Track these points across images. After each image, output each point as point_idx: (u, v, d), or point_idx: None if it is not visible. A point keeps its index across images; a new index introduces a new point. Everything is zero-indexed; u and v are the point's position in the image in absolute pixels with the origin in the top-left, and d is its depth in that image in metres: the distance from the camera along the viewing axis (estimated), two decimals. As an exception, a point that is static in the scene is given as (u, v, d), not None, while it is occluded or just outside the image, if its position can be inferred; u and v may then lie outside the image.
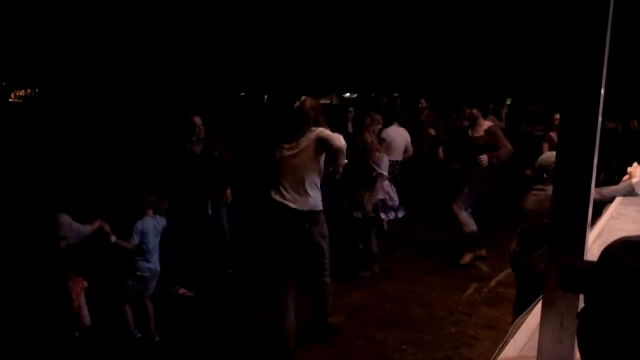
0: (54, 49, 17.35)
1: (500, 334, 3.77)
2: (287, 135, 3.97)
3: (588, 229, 1.01)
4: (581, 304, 0.92)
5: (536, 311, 1.58)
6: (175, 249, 4.62)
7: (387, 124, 6.60)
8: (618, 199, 3.57)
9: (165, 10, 15.99)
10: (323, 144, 3.84)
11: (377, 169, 5.34)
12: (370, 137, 5.43)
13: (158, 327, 4.11)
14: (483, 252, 5.99)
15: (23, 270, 3.47)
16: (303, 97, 4.00)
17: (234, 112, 15.79)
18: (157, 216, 4.14)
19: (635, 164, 3.84)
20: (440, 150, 7.48)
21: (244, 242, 6.01)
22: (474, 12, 14.83)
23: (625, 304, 0.79)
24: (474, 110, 5.85)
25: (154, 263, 4.08)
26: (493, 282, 5.33)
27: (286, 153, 3.92)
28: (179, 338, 4.13)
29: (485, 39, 15.66)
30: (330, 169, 4.02)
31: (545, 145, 6.13)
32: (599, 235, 2.61)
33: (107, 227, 3.82)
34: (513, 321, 2.21)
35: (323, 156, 3.90)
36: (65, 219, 3.66)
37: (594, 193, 1.03)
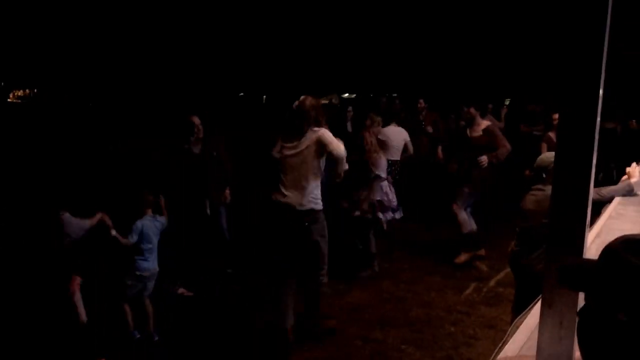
0: (53, 49, 17.34)
1: (499, 334, 3.78)
2: (287, 134, 3.97)
3: (587, 229, 1.02)
4: (580, 304, 0.92)
5: (535, 311, 1.59)
6: (174, 248, 4.62)
7: (385, 123, 6.61)
8: (617, 199, 3.58)
9: (164, 10, 15.98)
10: (324, 148, 3.84)
11: (374, 170, 5.35)
12: (370, 138, 5.43)
13: (157, 327, 4.11)
14: (482, 252, 6.00)
15: (24, 269, 3.47)
16: (303, 97, 3.99)
17: (233, 112, 15.79)
18: (157, 216, 4.14)
19: (634, 164, 3.84)
20: (440, 150, 7.48)
21: (243, 242, 6.01)
22: (473, 12, 14.83)
23: (626, 302, 0.79)
24: (471, 109, 5.81)
25: (153, 263, 4.08)
26: (492, 282, 5.34)
27: (286, 152, 3.92)
28: (178, 338, 4.13)
29: (484, 39, 15.66)
30: (333, 174, 4.02)
31: (544, 145, 6.13)
32: (597, 235, 2.62)
33: (108, 220, 3.82)
34: (512, 321, 2.22)
35: (324, 157, 3.90)
36: (67, 216, 3.67)
37: (592, 193, 1.03)
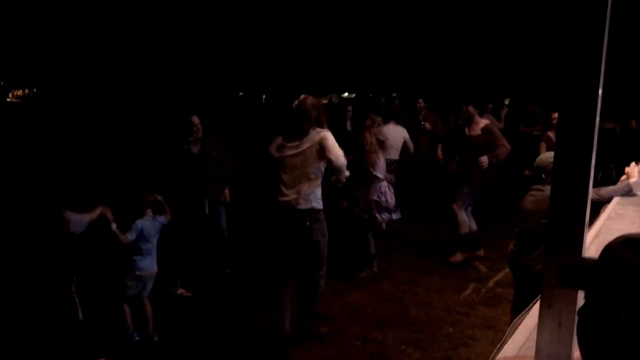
0: (52, 49, 17.33)
1: (498, 334, 3.79)
2: (288, 134, 3.95)
3: (586, 229, 1.02)
4: (579, 304, 0.92)
5: (534, 311, 1.59)
6: (174, 249, 4.62)
7: (384, 123, 6.60)
8: (616, 199, 3.58)
9: (163, 10, 15.98)
10: (324, 153, 3.83)
11: (372, 170, 5.35)
12: (370, 138, 5.43)
13: (157, 328, 4.10)
14: (481, 253, 6.00)
15: (24, 269, 3.46)
16: (303, 96, 3.97)
17: (232, 112, 15.79)
18: (157, 216, 4.13)
19: (632, 163, 3.85)
20: (439, 150, 7.46)
21: (243, 242, 6.01)
22: (472, 13, 14.84)
23: (626, 301, 0.79)
24: (470, 108, 5.77)
25: (152, 263, 4.08)
26: (491, 282, 5.34)
27: (288, 152, 3.91)
28: (177, 338, 4.13)
29: (484, 39, 15.67)
30: (333, 178, 4.02)
31: (543, 145, 6.12)
32: (596, 235, 2.62)
33: (109, 214, 3.81)
34: (511, 321, 2.22)
35: (325, 160, 3.89)
36: (69, 214, 3.66)
37: (591, 193, 1.03)
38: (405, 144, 6.66)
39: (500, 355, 1.48)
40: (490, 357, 1.50)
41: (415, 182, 7.32)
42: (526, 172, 5.26)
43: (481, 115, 6.39)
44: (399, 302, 4.85)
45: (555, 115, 5.76)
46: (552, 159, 1.15)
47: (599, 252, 0.87)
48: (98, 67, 18.27)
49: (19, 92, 25.75)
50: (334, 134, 3.96)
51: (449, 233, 6.20)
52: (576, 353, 0.94)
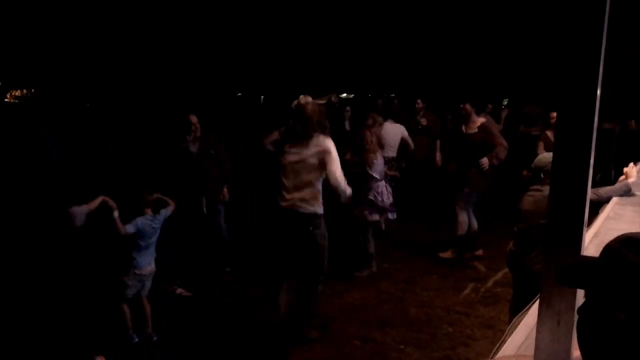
0: (50, 49, 17.32)
1: (498, 334, 3.79)
2: (291, 139, 3.92)
3: (585, 228, 1.02)
4: (578, 303, 0.93)
5: (533, 310, 1.59)
6: (172, 248, 4.62)
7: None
8: (614, 199, 3.59)
9: (162, 10, 15.98)
10: (325, 166, 3.82)
11: (368, 170, 5.34)
12: (370, 137, 5.42)
13: (156, 328, 4.10)
14: (480, 252, 6.01)
15: (23, 269, 3.47)
16: (303, 99, 3.94)
17: (231, 112, 15.78)
18: (157, 215, 4.14)
19: (631, 164, 3.86)
20: (438, 151, 7.46)
21: (242, 242, 6.01)
22: (471, 13, 14.85)
23: (625, 301, 0.80)
24: (467, 106, 5.74)
25: (151, 262, 4.09)
26: (490, 282, 5.34)
27: (290, 158, 3.88)
28: (177, 338, 4.13)
29: (483, 39, 15.67)
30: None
31: (541, 144, 6.12)
32: (595, 235, 2.63)
33: (110, 202, 3.80)
34: (510, 320, 2.23)
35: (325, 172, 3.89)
36: (74, 209, 3.66)
37: (590, 193, 1.04)
38: (404, 141, 6.65)
39: (500, 354, 1.48)
40: (491, 355, 1.51)
41: (414, 182, 7.33)
42: (525, 172, 5.27)
43: (478, 113, 6.37)
44: (399, 301, 4.86)
45: (554, 114, 5.77)
46: (550, 159, 1.16)
47: (597, 252, 0.87)
48: (97, 67, 18.25)
49: (17, 93, 25.71)
50: (332, 134, 3.96)
51: (448, 233, 6.21)
52: (575, 352, 0.95)
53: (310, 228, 3.87)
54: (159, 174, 5.10)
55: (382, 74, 18.75)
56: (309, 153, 3.82)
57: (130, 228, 3.92)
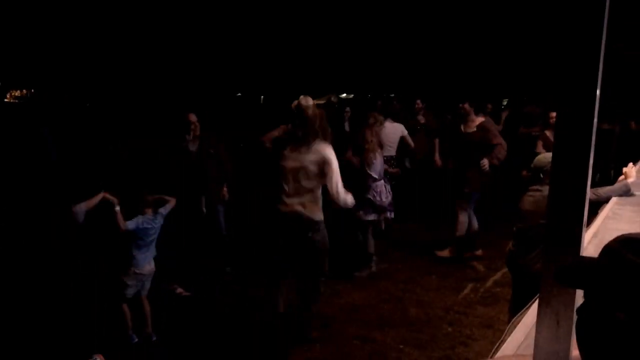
0: (50, 49, 17.32)
1: (497, 333, 3.79)
2: (292, 143, 3.90)
3: (584, 228, 1.02)
4: (578, 302, 0.93)
5: (533, 310, 1.60)
6: (172, 248, 4.62)
7: (381, 121, 6.58)
8: (614, 199, 3.59)
9: (162, 10, 15.98)
10: (324, 174, 3.80)
11: (367, 169, 5.34)
12: (370, 137, 5.41)
13: (155, 327, 4.11)
14: (479, 252, 6.01)
15: (23, 269, 3.47)
16: (302, 99, 3.91)
17: (231, 112, 15.78)
18: (157, 215, 4.14)
19: (630, 164, 3.86)
20: (437, 152, 7.45)
21: (242, 241, 6.01)
22: (471, 13, 14.85)
23: (625, 301, 0.80)
24: (466, 105, 5.74)
25: (150, 261, 4.09)
26: (489, 282, 5.35)
27: (290, 164, 3.85)
28: (176, 338, 4.13)
29: (482, 39, 15.68)
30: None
31: (540, 143, 6.12)
32: (595, 235, 2.63)
33: (111, 197, 3.80)
34: (509, 320, 2.23)
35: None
36: (77, 207, 3.67)
37: (589, 193, 1.04)
38: (404, 139, 6.65)
39: (499, 353, 1.49)
40: (490, 355, 1.51)
41: (414, 181, 7.33)
42: (524, 172, 5.27)
43: (477, 113, 6.36)
44: (398, 301, 4.86)
45: (553, 114, 5.77)
46: (550, 160, 1.16)
47: (597, 252, 0.88)
48: (97, 67, 18.25)
49: (17, 93, 25.70)
50: (332, 136, 3.95)
51: (448, 233, 6.21)
52: (575, 352, 0.95)
53: (310, 233, 3.85)
54: (158, 173, 5.10)
55: (382, 74, 18.75)
56: (309, 160, 3.78)
57: (130, 224, 3.93)
